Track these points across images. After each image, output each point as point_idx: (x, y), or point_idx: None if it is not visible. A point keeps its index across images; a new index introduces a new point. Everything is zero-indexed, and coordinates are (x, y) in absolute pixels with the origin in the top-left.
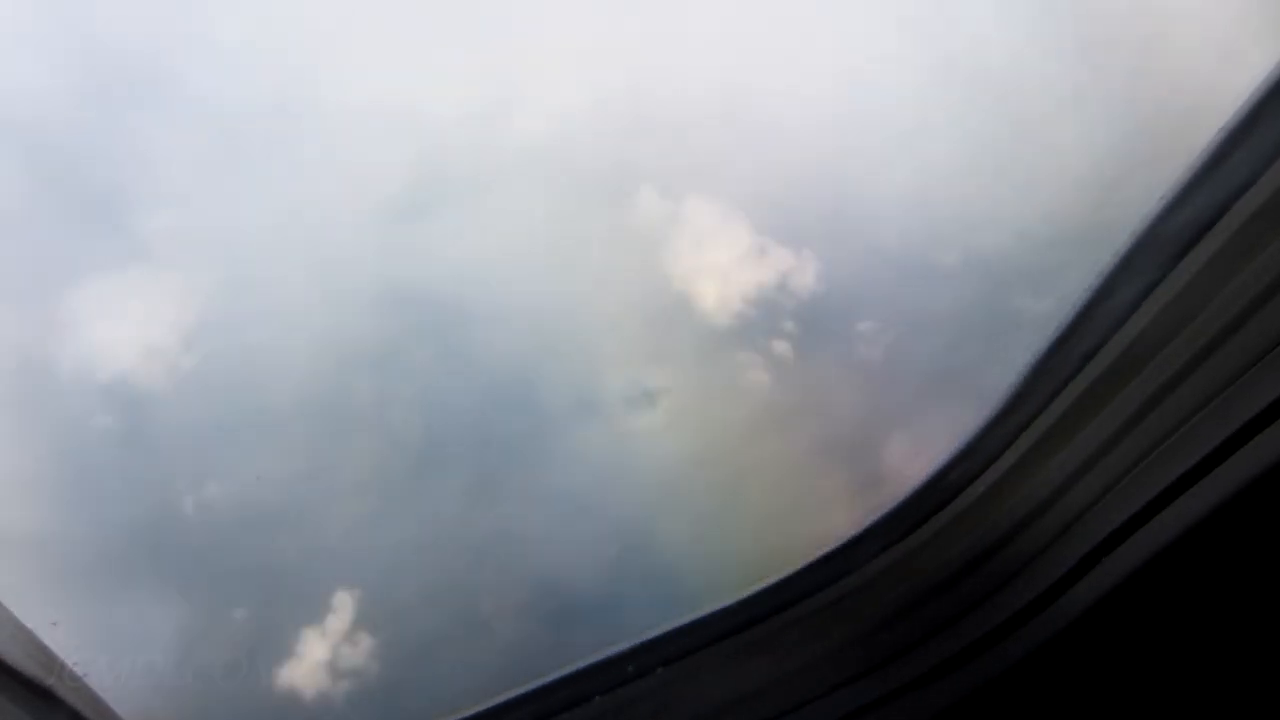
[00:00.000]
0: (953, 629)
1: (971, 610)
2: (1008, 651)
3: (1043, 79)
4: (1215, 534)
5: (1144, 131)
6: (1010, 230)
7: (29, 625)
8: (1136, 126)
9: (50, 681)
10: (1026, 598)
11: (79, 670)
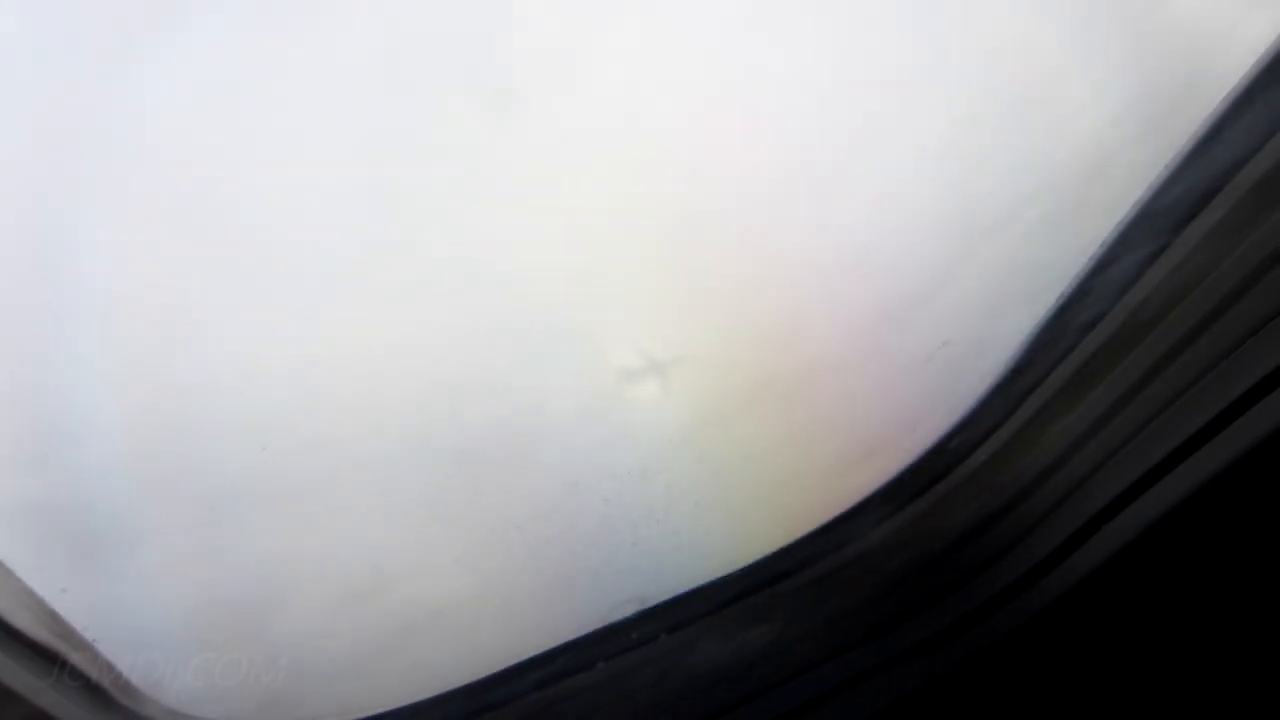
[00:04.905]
0: (953, 596)
1: (972, 578)
2: (1007, 618)
3: (1040, 48)
4: (1215, 501)
5: (1144, 101)
6: (1006, 201)
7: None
8: (1137, 96)
9: (63, 649)
10: (1027, 565)
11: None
